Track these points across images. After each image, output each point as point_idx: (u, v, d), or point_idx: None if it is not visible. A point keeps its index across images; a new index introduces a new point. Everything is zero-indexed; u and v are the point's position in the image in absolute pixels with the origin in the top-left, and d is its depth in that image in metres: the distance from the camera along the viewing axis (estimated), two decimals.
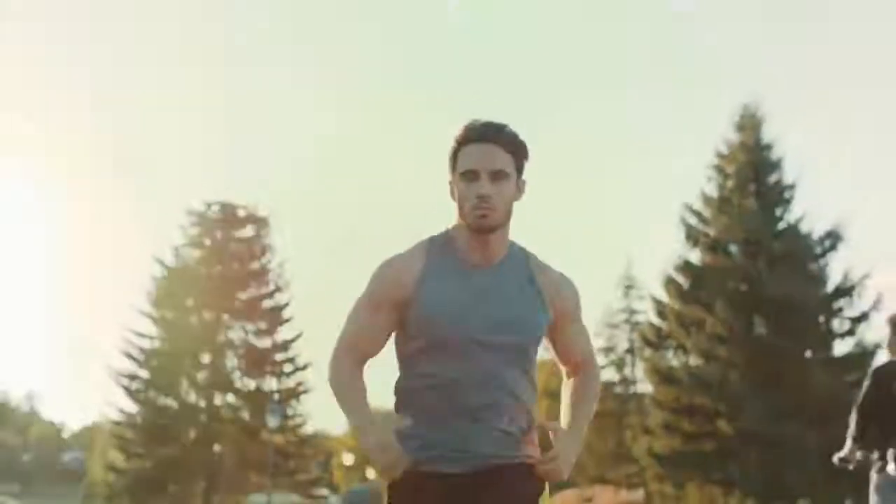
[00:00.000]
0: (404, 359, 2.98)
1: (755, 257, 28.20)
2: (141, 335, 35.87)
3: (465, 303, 2.88)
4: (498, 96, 72.56)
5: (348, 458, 50.95)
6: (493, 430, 2.88)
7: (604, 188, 75.12)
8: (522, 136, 2.94)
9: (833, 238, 28.63)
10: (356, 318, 2.97)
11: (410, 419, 2.92)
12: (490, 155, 2.84)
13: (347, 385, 2.95)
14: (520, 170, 2.92)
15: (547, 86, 76.74)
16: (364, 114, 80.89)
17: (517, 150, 2.90)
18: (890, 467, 5.72)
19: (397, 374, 3.01)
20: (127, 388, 35.67)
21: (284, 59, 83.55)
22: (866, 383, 5.92)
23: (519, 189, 2.93)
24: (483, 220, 2.84)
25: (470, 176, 2.85)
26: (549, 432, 2.95)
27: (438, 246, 2.96)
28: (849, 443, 5.93)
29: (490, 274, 2.92)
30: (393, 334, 2.99)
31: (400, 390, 2.99)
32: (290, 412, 36.10)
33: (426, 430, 2.90)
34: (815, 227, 29.03)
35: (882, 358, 6.16)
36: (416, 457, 2.87)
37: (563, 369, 3.15)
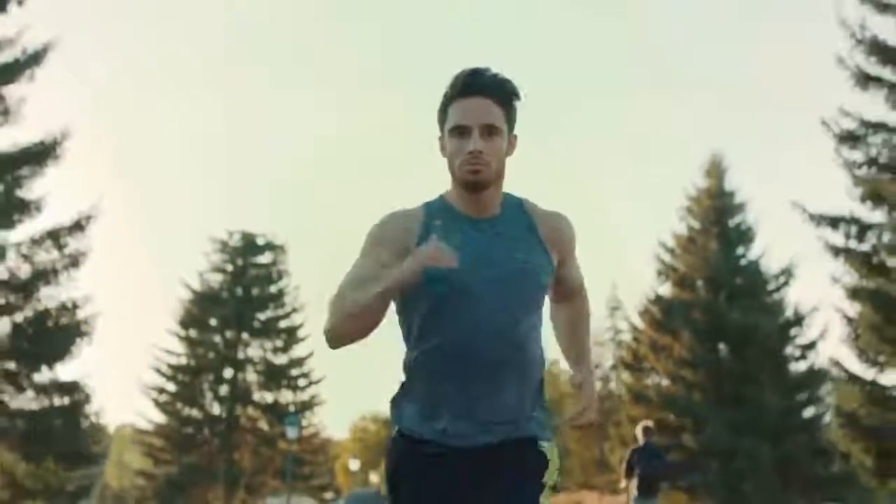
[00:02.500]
0: (411, 322, 2.92)
1: (717, 292, 33.31)
2: (169, 352, 40.80)
3: (472, 249, 2.85)
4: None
5: (354, 464, 55.89)
6: (504, 396, 2.85)
7: (595, 214, 79.71)
8: (515, 84, 2.90)
9: (786, 274, 33.74)
10: (357, 264, 2.88)
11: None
12: (481, 109, 2.82)
13: (356, 292, 2.76)
14: (511, 124, 2.89)
15: (550, 94, 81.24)
16: (377, 143, 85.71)
17: (509, 104, 2.88)
18: (633, 493, 11.45)
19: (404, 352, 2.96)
20: (156, 400, 40.60)
21: (307, 102, 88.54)
22: (627, 455, 11.79)
23: (511, 144, 2.91)
24: (475, 176, 2.82)
25: (460, 131, 2.83)
26: (573, 384, 3.05)
27: (435, 204, 2.96)
28: (623, 480, 11.76)
29: (491, 223, 2.91)
30: (394, 305, 2.90)
31: (408, 362, 2.95)
32: (304, 423, 41.18)
33: (434, 396, 2.88)
34: (771, 264, 34.18)
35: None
36: (422, 430, 2.88)
37: (551, 296, 3.14)
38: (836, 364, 21.40)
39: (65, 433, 20.37)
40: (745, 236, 34.53)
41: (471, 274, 2.82)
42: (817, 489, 31.27)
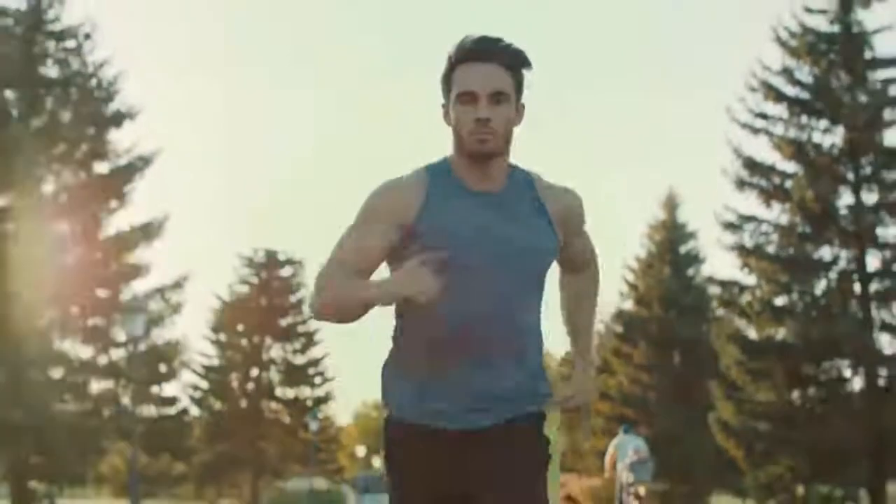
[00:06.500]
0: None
1: (668, 309, 43.56)
2: (202, 354, 50.58)
3: (475, 225, 2.96)
4: None
5: (361, 450, 66.11)
6: (501, 377, 2.98)
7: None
8: (524, 52, 2.99)
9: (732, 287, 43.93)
10: (347, 238, 3.01)
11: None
12: (488, 75, 2.92)
13: (345, 283, 2.93)
14: (519, 90, 3.00)
15: (551, 85, 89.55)
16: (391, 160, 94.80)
17: (517, 69, 2.98)
18: None
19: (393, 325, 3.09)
20: (191, 396, 50.46)
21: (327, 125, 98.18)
22: None
23: (518, 113, 3.00)
24: (483, 146, 2.92)
25: (467, 98, 2.92)
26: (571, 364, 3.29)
27: (438, 171, 3.03)
28: None
29: (497, 198, 3.00)
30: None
31: (398, 337, 3.09)
32: (320, 415, 51.27)
33: (429, 375, 2.99)
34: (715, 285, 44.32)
35: None
36: (415, 413, 3.01)
37: (559, 269, 3.30)
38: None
39: (172, 433, 30.86)
40: (694, 261, 44.79)
41: (471, 251, 2.92)
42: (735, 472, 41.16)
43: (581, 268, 3.33)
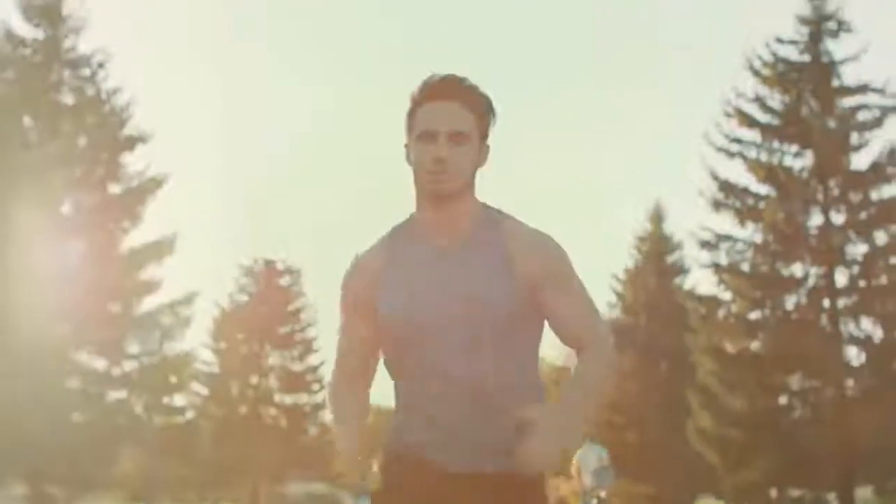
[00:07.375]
0: (385, 358, 3.10)
1: (654, 318, 45.88)
2: (203, 362, 52.57)
3: (426, 291, 2.95)
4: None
5: None
6: (475, 440, 2.93)
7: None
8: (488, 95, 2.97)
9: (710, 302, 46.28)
10: (341, 331, 3.17)
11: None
12: (449, 114, 2.90)
13: (338, 403, 3.12)
14: (484, 132, 2.98)
15: (549, 80, 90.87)
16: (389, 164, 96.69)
17: (481, 110, 2.96)
18: None
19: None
20: (192, 403, 52.58)
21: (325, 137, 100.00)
22: None
23: (482, 153, 2.98)
24: (439, 186, 2.90)
25: (426, 138, 2.90)
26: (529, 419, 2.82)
27: (401, 233, 3.05)
28: None
29: (457, 254, 2.96)
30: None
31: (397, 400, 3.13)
32: (318, 421, 53.43)
33: (409, 432, 3.04)
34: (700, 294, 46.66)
35: None
36: (407, 445, 3.02)
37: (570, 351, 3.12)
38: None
39: (183, 441, 33.24)
40: (679, 271, 47.15)
41: (422, 317, 2.92)
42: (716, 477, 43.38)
43: (575, 345, 3.07)
